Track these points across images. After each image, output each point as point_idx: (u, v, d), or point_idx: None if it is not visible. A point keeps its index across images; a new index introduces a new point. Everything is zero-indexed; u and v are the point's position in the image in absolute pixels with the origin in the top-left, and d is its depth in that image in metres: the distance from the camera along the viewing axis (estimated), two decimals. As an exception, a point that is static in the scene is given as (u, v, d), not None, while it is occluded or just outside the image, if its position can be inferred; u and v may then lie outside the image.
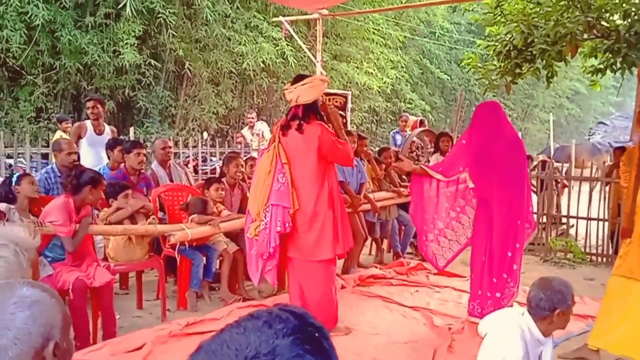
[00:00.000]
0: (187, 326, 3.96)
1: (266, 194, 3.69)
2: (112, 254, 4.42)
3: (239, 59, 11.27)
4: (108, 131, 5.89)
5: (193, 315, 4.22)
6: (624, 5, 7.28)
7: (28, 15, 8.64)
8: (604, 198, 6.70)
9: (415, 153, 8.63)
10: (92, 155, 5.74)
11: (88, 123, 5.81)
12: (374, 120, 16.00)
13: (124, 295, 4.87)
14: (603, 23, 7.60)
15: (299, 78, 3.87)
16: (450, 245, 4.47)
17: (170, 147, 5.70)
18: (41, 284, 1.21)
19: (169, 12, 9.86)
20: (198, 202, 4.74)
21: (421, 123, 10.02)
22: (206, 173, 8.08)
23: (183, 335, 3.85)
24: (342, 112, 7.30)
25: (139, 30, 9.66)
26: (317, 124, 3.73)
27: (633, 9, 7.22)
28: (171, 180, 5.47)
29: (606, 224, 6.62)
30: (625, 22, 7.31)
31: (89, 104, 5.83)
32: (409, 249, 6.70)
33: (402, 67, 15.29)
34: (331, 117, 3.98)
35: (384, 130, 15.86)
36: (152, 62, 10.25)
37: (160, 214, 4.95)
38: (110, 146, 5.46)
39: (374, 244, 6.53)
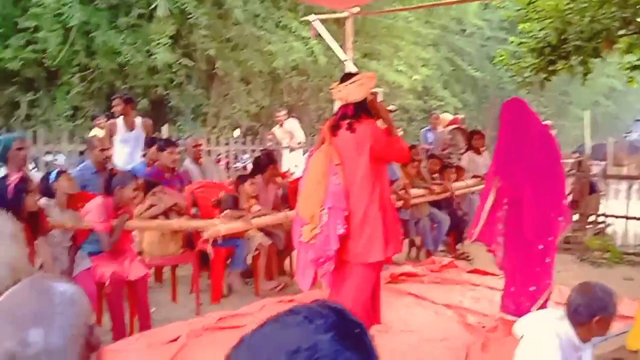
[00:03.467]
0: (221, 320, 4.01)
1: (321, 196, 3.57)
2: (146, 249, 4.50)
3: (269, 58, 11.33)
4: (140, 125, 5.98)
5: (226, 310, 4.26)
6: (662, 0, 7.10)
7: (64, 17, 8.84)
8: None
9: (446, 151, 8.56)
10: (125, 152, 5.85)
11: (119, 121, 5.92)
12: (405, 119, 15.90)
13: (158, 289, 4.96)
14: None
15: (346, 77, 3.78)
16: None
17: (201, 145, 5.79)
18: (56, 276, 1.24)
19: (200, 12, 9.97)
20: (229, 198, 4.79)
21: (462, 120, 9.88)
22: (238, 170, 8.15)
23: (217, 329, 3.90)
24: (393, 108, 7.21)
25: (171, 31, 9.80)
26: (368, 122, 3.62)
27: (671, 4, 7.04)
28: (204, 178, 5.54)
29: (645, 223, 6.48)
30: (664, 17, 7.13)
31: (114, 102, 5.97)
32: (441, 247, 6.65)
33: (433, 64, 15.15)
34: (381, 113, 3.80)
35: (414, 129, 15.76)
36: (184, 61, 10.38)
37: (193, 210, 5.02)
38: (147, 144, 5.60)
39: (406, 241, 6.49)
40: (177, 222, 4.46)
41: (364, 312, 3.74)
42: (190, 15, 9.88)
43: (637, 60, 7.99)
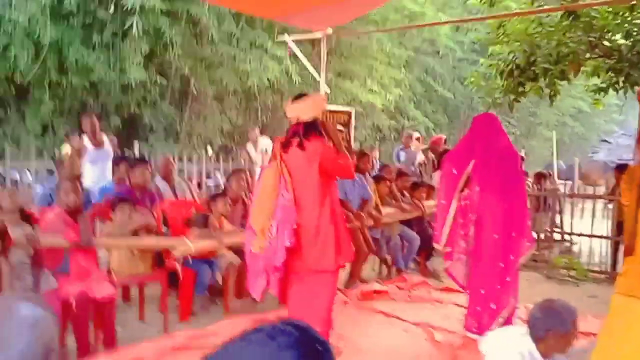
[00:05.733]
0: (189, 339, 3.96)
1: (272, 210, 3.73)
2: (115, 268, 4.44)
3: (244, 76, 11.38)
4: (107, 142, 5.94)
5: (195, 328, 4.22)
6: (626, 25, 7.35)
7: (36, 34, 8.77)
8: (608, 215, 6.70)
9: (418, 170, 8.66)
10: (95, 171, 5.80)
11: (85, 141, 5.86)
12: (378, 138, 16.05)
13: (126, 308, 4.89)
14: (605, 43, 7.67)
15: (299, 96, 3.96)
16: (466, 260, 4.45)
17: (172, 164, 5.77)
18: (35, 296, 1.22)
19: (175, 31, 9.99)
20: (200, 217, 4.78)
21: (445, 141, 9.93)
22: (210, 188, 8.12)
23: (184, 349, 3.85)
24: (342, 128, 7.34)
25: (145, 49, 9.79)
26: (318, 140, 3.81)
27: (635, 29, 7.29)
28: (175, 196, 5.52)
29: (609, 241, 6.61)
30: (628, 41, 7.37)
31: (84, 119, 5.90)
32: (411, 265, 6.69)
33: (405, 85, 15.37)
34: (330, 133, 4.03)
35: (387, 147, 15.91)
36: (158, 79, 10.36)
37: (164, 229, 4.98)
38: (116, 162, 5.55)
39: (377, 259, 6.52)
40: (147, 241, 4.42)
41: (329, 321, 3.92)
42: (165, 34, 9.90)
43: (603, 82, 8.23)
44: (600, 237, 6.66)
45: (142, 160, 5.47)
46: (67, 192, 3.93)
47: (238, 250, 5.02)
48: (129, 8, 9.19)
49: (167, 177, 5.61)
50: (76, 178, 4.79)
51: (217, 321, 4.46)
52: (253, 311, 4.81)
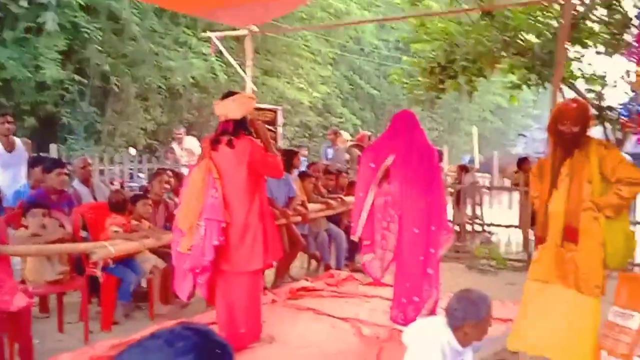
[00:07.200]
0: (111, 348, 3.83)
1: (199, 208, 3.73)
2: (29, 277, 4.22)
3: (168, 74, 11.13)
4: (20, 146, 5.66)
5: (118, 337, 4.09)
6: (538, 25, 7.73)
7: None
8: (523, 207, 7.03)
9: (345, 166, 8.76)
10: (7, 175, 5.50)
11: None
12: (306, 135, 16.13)
13: (44, 319, 4.67)
14: (519, 41, 8.04)
15: (228, 94, 4.00)
16: (384, 255, 4.55)
17: (90, 165, 5.59)
18: None
19: (94, 26, 9.64)
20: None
21: (369, 138, 10.03)
22: (134, 190, 7.88)
23: (106, 358, 3.72)
24: (271, 127, 7.35)
25: (63, 45, 9.38)
26: (247, 139, 3.85)
27: (545, 29, 7.68)
28: (94, 199, 5.33)
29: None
30: (539, 40, 7.75)
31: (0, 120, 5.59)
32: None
33: (332, 82, 15.54)
34: (260, 131, 4.08)
35: (315, 145, 16.02)
36: (77, 77, 9.96)
37: (83, 233, 4.79)
38: (31, 164, 5.31)
39: (306, 257, 6.55)
40: (62, 247, 4.23)
41: (258, 320, 4.00)
42: (83, 29, 9.51)
43: (517, 79, 8.63)
44: (516, 227, 6.99)
45: (58, 162, 5.23)
46: None
47: (163, 254, 4.92)
48: (44, 2, 8.77)
49: (86, 180, 5.41)
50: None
51: (143, 328, 4.33)
52: (180, 316, 4.72)
